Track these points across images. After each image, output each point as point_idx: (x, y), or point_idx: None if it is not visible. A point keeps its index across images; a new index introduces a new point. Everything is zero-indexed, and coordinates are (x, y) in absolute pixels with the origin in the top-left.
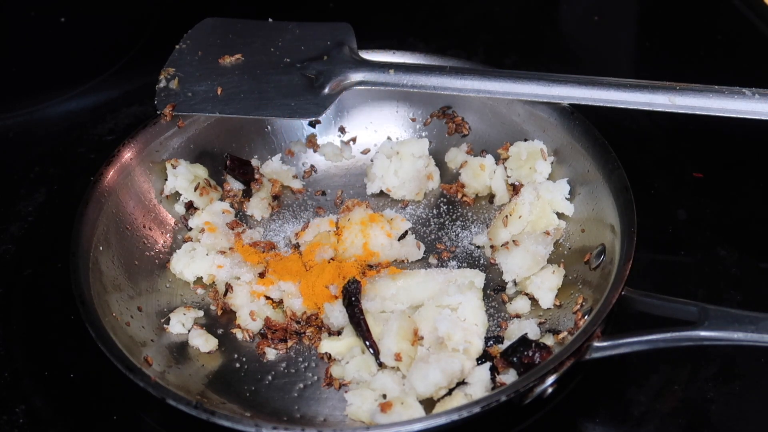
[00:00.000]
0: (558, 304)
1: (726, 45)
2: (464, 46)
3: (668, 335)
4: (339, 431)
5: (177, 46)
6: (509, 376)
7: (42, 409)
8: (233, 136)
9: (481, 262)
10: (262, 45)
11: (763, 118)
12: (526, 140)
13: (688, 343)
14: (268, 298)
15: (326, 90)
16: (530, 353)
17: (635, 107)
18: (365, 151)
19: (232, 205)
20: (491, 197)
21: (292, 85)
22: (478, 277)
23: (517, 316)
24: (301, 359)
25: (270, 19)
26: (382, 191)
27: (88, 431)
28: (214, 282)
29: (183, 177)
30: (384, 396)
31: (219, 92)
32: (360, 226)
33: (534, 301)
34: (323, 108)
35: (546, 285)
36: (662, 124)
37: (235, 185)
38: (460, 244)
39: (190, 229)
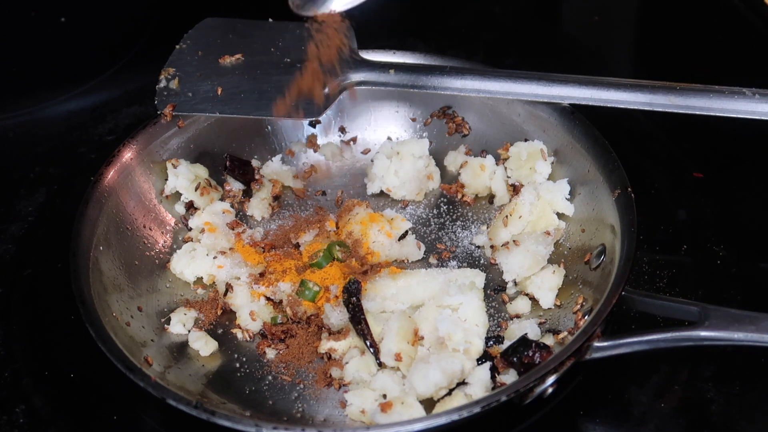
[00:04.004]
0: (558, 304)
1: (726, 45)
2: (464, 46)
3: (668, 335)
4: (339, 431)
5: (177, 46)
6: (509, 376)
7: (42, 409)
8: (233, 136)
9: (482, 262)
10: (262, 45)
11: (763, 118)
12: (526, 140)
13: (688, 343)
14: (268, 298)
15: (326, 90)
16: (530, 353)
17: (635, 107)
18: (365, 151)
19: (232, 206)
20: (491, 197)
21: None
22: (478, 277)
23: (518, 316)
24: (301, 359)
25: (270, 19)
26: (382, 191)
27: (88, 431)
28: (214, 282)
29: (184, 177)
30: (384, 396)
31: (219, 92)
32: (360, 226)
33: (534, 301)
34: (323, 108)
35: (546, 285)
36: (662, 124)
37: (235, 185)
38: (460, 244)
39: (191, 229)
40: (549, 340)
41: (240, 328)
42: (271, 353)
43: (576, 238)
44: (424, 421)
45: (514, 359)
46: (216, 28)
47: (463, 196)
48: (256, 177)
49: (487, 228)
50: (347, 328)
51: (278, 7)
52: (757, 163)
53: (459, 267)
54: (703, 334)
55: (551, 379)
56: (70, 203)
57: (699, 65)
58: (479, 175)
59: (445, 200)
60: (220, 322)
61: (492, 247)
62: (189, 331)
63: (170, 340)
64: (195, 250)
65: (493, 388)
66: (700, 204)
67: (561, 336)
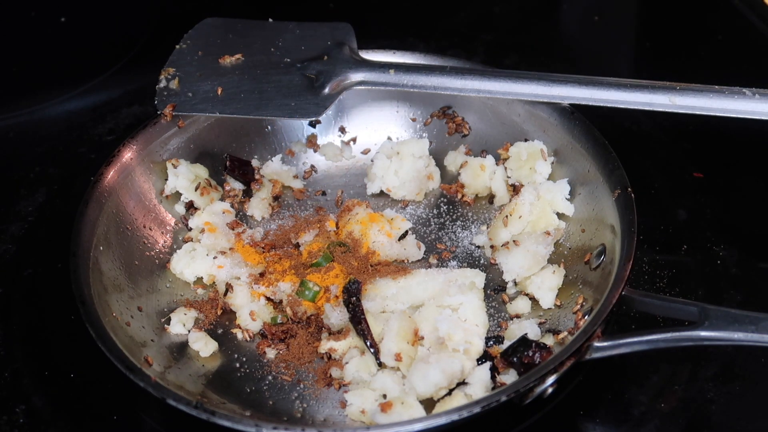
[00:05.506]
0: (558, 304)
1: (726, 45)
2: (464, 46)
3: (668, 335)
4: (339, 431)
5: (177, 46)
6: (509, 376)
7: (42, 409)
8: (233, 136)
9: (482, 262)
10: (262, 45)
11: (763, 118)
12: (526, 140)
13: (688, 343)
14: (268, 298)
15: (326, 90)
16: (530, 353)
17: (635, 107)
18: (365, 151)
19: (232, 206)
20: (491, 197)
21: (292, 85)
22: (478, 277)
23: (518, 316)
24: (301, 359)
25: (270, 19)
26: (382, 191)
27: (88, 431)
28: (214, 282)
29: (184, 177)
30: (384, 396)
31: (219, 92)
32: (360, 226)
33: (534, 301)
34: (323, 108)
35: (546, 285)
36: (662, 124)
37: (235, 185)
38: (460, 244)
39: (191, 229)
40: (549, 340)
41: (240, 328)
42: (271, 353)
43: (576, 238)
44: (424, 421)
45: (514, 359)
46: (216, 28)
47: (463, 196)
48: (256, 177)
49: (487, 228)
50: (347, 328)
51: (278, 7)
52: (757, 163)
53: (459, 267)
54: (703, 334)
55: (551, 379)
56: (70, 203)
57: (699, 65)
58: (479, 175)
59: (445, 200)
60: (220, 322)
61: (492, 247)
62: (189, 331)
63: (170, 340)
64: (195, 250)
65: (493, 388)
66: (700, 204)
67: (561, 336)
